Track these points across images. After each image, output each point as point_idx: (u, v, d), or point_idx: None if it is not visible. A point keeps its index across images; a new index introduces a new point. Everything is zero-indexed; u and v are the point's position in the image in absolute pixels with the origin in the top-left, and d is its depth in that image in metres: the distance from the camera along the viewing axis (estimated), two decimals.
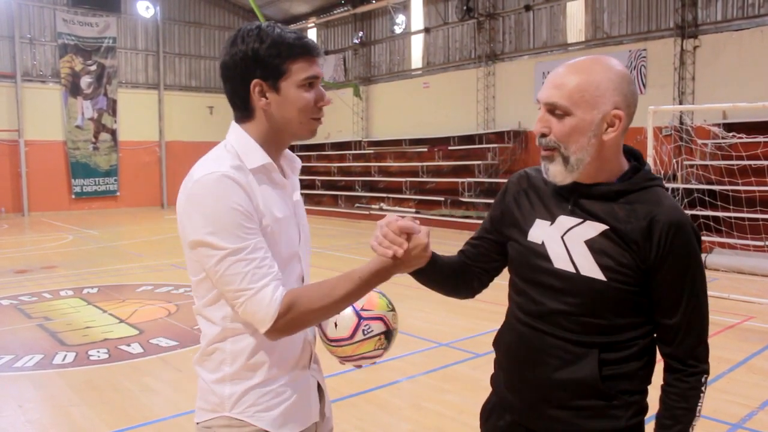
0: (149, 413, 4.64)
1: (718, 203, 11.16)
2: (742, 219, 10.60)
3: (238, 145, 1.68)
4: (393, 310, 1.85)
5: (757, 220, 10.56)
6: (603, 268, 1.61)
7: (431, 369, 5.52)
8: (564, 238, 1.67)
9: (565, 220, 1.69)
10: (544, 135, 1.65)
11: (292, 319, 1.58)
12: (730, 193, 11.23)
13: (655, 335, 1.70)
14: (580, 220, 1.66)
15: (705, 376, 1.66)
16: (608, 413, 1.65)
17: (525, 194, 1.82)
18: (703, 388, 1.66)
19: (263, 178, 1.68)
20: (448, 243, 14.15)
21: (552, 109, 1.62)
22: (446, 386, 5.10)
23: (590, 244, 1.63)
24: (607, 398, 1.64)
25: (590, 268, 1.62)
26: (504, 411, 1.82)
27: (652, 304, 1.66)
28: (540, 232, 1.73)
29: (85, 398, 4.92)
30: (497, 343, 1.89)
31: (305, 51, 1.66)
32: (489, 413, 1.89)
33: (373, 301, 1.80)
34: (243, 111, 1.70)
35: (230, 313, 1.66)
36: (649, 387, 1.73)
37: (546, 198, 1.76)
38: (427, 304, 8.03)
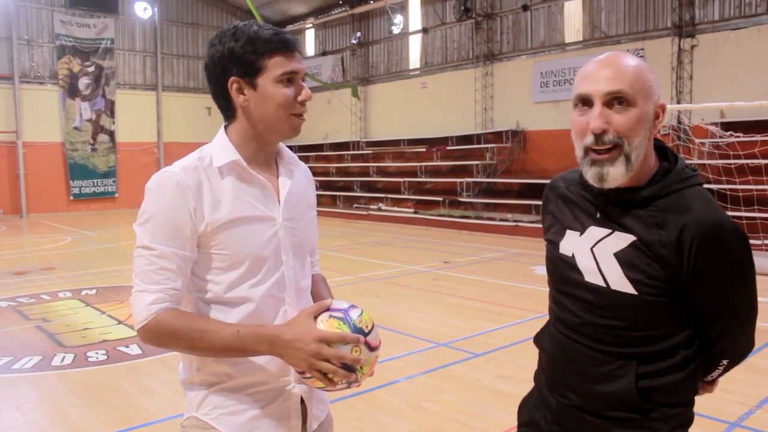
0: (148, 414, 4.63)
1: (716, 202, 11.15)
2: (740, 218, 10.61)
3: (214, 145, 1.71)
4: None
5: (754, 218, 10.58)
6: (633, 281, 1.54)
7: (430, 369, 5.52)
8: (593, 250, 1.61)
9: (594, 231, 1.62)
10: (604, 132, 1.51)
11: (154, 336, 1.58)
12: (728, 192, 11.24)
13: (698, 344, 1.63)
14: (609, 230, 1.59)
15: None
16: (646, 425, 1.59)
17: (556, 204, 1.78)
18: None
19: (232, 176, 1.67)
20: (446, 243, 14.21)
21: (613, 101, 1.50)
22: (445, 386, 5.10)
23: (619, 256, 1.56)
24: (645, 411, 1.58)
25: (620, 282, 1.55)
26: (544, 409, 1.79)
27: (693, 314, 1.59)
28: (570, 243, 1.68)
29: (83, 400, 4.92)
30: (539, 342, 1.86)
31: (282, 46, 1.64)
32: (529, 408, 1.86)
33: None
34: (227, 111, 1.71)
35: (194, 309, 1.68)
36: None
37: (574, 207, 1.71)
38: (426, 304, 8.03)
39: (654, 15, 14.66)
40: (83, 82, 22.20)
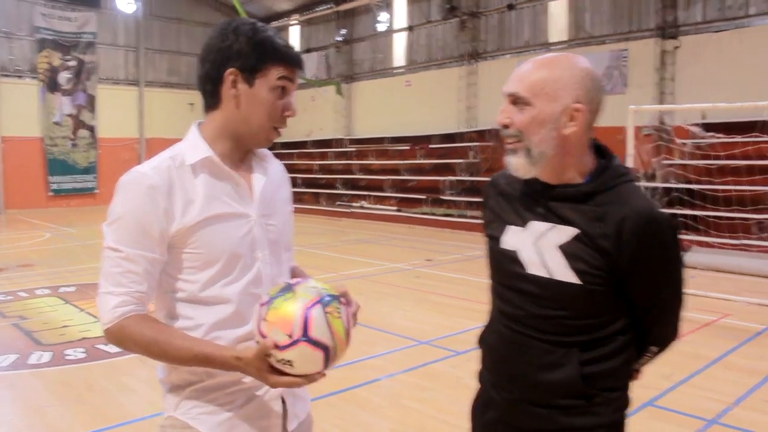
0: (127, 413, 4.58)
1: (697, 202, 11.28)
2: (720, 218, 10.73)
3: (186, 143, 1.69)
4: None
5: (734, 219, 10.69)
6: (577, 272, 1.62)
7: (411, 367, 5.52)
8: (536, 243, 1.68)
9: (536, 225, 1.69)
10: (506, 126, 1.69)
11: (117, 340, 1.59)
12: (708, 193, 11.35)
13: (632, 330, 1.72)
14: (551, 224, 1.67)
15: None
16: (591, 410, 1.67)
17: (496, 200, 1.86)
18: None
19: (205, 173, 1.66)
20: (429, 241, 14.22)
21: (514, 101, 1.67)
22: (426, 384, 5.10)
23: (563, 248, 1.64)
24: (589, 397, 1.66)
25: (564, 273, 1.63)
26: (489, 407, 1.84)
27: (629, 302, 1.68)
28: (512, 238, 1.74)
29: (61, 398, 4.86)
30: (482, 342, 1.90)
31: (289, 59, 1.68)
32: (478, 409, 1.90)
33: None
34: (211, 98, 1.69)
35: (172, 311, 1.66)
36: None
37: (515, 203, 1.77)
38: (408, 302, 8.03)
39: (638, 16, 14.75)
40: (64, 77, 21.93)
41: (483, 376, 1.89)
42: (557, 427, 1.69)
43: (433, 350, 6.00)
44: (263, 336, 1.47)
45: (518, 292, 1.72)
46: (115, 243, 1.58)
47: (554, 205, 1.67)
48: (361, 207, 19.58)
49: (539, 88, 1.64)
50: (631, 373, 1.77)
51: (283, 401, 1.74)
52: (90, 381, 5.22)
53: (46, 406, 4.72)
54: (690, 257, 10.55)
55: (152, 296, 1.64)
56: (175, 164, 1.64)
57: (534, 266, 1.67)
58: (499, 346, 1.78)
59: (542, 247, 1.67)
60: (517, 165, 1.68)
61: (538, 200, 1.71)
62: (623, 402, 1.73)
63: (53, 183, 21.80)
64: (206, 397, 1.65)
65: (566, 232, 1.64)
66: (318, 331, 1.45)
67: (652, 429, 4.22)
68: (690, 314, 7.23)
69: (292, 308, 1.46)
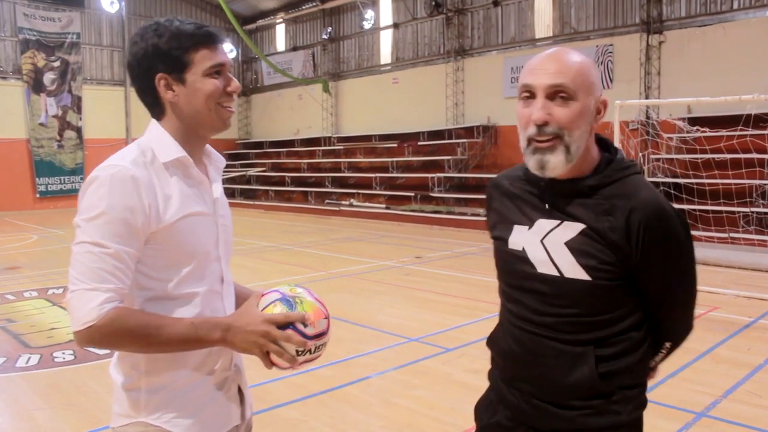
0: None
1: (683, 196, 11.35)
2: (707, 211, 10.80)
3: (153, 140, 1.67)
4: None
5: (720, 212, 10.78)
6: (586, 268, 1.58)
7: (401, 364, 5.52)
8: (544, 242, 1.64)
9: (543, 224, 1.66)
10: (546, 123, 1.56)
11: (105, 336, 1.51)
12: (695, 186, 11.43)
13: (646, 326, 1.70)
14: (558, 221, 1.63)
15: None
16: (609, 409, 1.63)
17: (500, 201, 1.81)
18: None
19: (178, 173, 1.66)
20: (418, 238, 14.23)
21: (555, 94, 1.55)
22: (416, 381, 5.11)
23: (570, 245, 1.60)
24: (607, 395, 1.63)
25: (574, 270, 1.59)
26: (503, 408, 1.79)
27: (641, 296, 1.65)
28: (519, 237, 1.70)
29: (49, 401, 4.82)
30: (492, 344, 1.86)
31: (206, 39, 1.65)
32: (487, 409, 1.85)
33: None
34: (155, 108, 1.69)
35: (137, 307, 1.63)
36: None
37: (521, 202, 1.73)
38: (397, 299, 8.04)
39: (623, 11, 14.83)
40: (48, 77, 21.78)
41: (494, 377, 1.85)
42: (575, 428, 1.65)
43: (422, 347, 6.00)
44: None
45: (529, 292, 1.68)
46: (101, 238, 1.52)
47: (560, 201, 1.64)
48: (350, 205, 19.56)
49: (580, 81, 1.56)
50: (648, 370, 1.73)
51: (240, 391, 1.79)
52: (79, 383, 5.19)
53: (34, 409, 4.69)
54: None
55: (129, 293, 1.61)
56: (147, 160, 1.62)
57: (544, 265, 1.64)
58: (514, 347, 1.73)
59: (550, 245, 1.63)
60: (556, 164, 1.57)
61: (543, 198, 1.67)
62: (642, 400, 1.69)
63: (40, 185, 21.67)
64: (177, 399, 1.65)
65: (573, 228, 1.60)
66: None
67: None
68: None
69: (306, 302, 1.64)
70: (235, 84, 1.69)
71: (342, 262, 10.96)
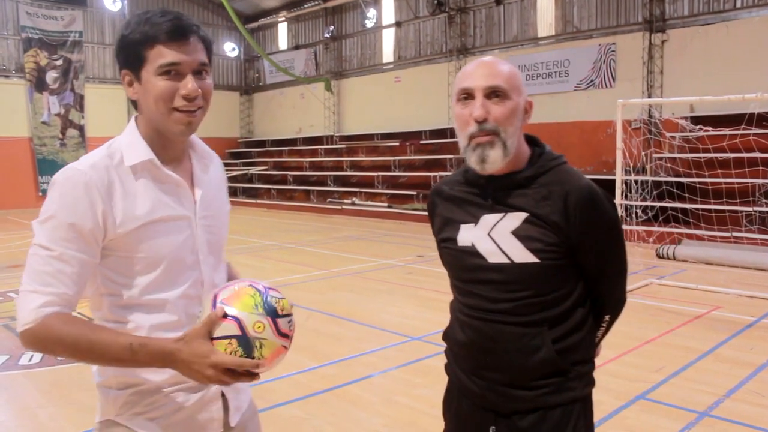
0: None
1: (686, 195, 11.33)
2: (709, 211, 10.77)
3: (123, 141, 1.62)
4: (267, 314, 1.46)
5: (723, 211, 10.74)
6: (534, 251, 1.71)
7: (403, 363, 5.52)
8: (491, 234, 1.77)
9: (488, 218, 1.78)
10: (485, 120, 1.70)
11: (38, 341, 1.46)
12: (698, 185, 11.40)
13: (589, 302, 1.85)
14: (502, 214, 1.76)
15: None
16: (566, 386, 1.77)
17: (444, 206, 1.93)
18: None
19: (146, 175, 1.58)
20: (421, 237, 14.21)
21: (491, 94, 1.70)
22: (418, 380, 5.10)
23: (517, 233, 1.73)
24: (564, 373, 1.76)
25: (522, 255, 1.72)
26: (463, 396, 1.90)
27: (582, 271, 1.80)
28: (467, 235, 1.82)
29: (52, 399, 4.83)
30: (449, 338, 1.97)
31: (162, 35, 1.51)
32: (450, 403, 1.97)
33: (238, 295, 1.48)
34: (133, 103, 1.65)
35: (108, 315, 1.59)
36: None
37: (463, 203, 1.85)
38: (399, 298, 8.03)
39: (625, 10, 14.80)
40: (51, 76, 21.80)
41: (452, 369, 1.96)
42: (536, 406, 1.76)
43: (425, 346, 6.00)
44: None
45: (483, 282, 1.79)
46: (47, 241, 1.49)
47: (501, 195, 1.77)
48: (352, 204, 19.56)
49: (512, 83, 1.72)
50: (594, 345, 1.89)
51: (224, 396, 1.71)
52: (81, 381, 5.19)
53: (37, 406, 4.70)
54: (681, 250, 10.61)
55: (78, 300, 1.53)
56: (113, 163, 1.56)
57: (494, 255, 1.76)
58: (473, 337, 1.83)
59: (497, 237, 1.75)
60: (495, 158, 1.72)
61: (485, 195, 1.80)
62: (591, 378, 1.84)
63: (43, 183, 21.68)
64: (147, 399, 1.60)
65: (517, 218, 1.74)
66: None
67: (644, 422, 4.24)
68: (681, 307, 7.28)
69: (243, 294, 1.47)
70: (190, 87, 1.53)
71: (344, 261, 10.96)
